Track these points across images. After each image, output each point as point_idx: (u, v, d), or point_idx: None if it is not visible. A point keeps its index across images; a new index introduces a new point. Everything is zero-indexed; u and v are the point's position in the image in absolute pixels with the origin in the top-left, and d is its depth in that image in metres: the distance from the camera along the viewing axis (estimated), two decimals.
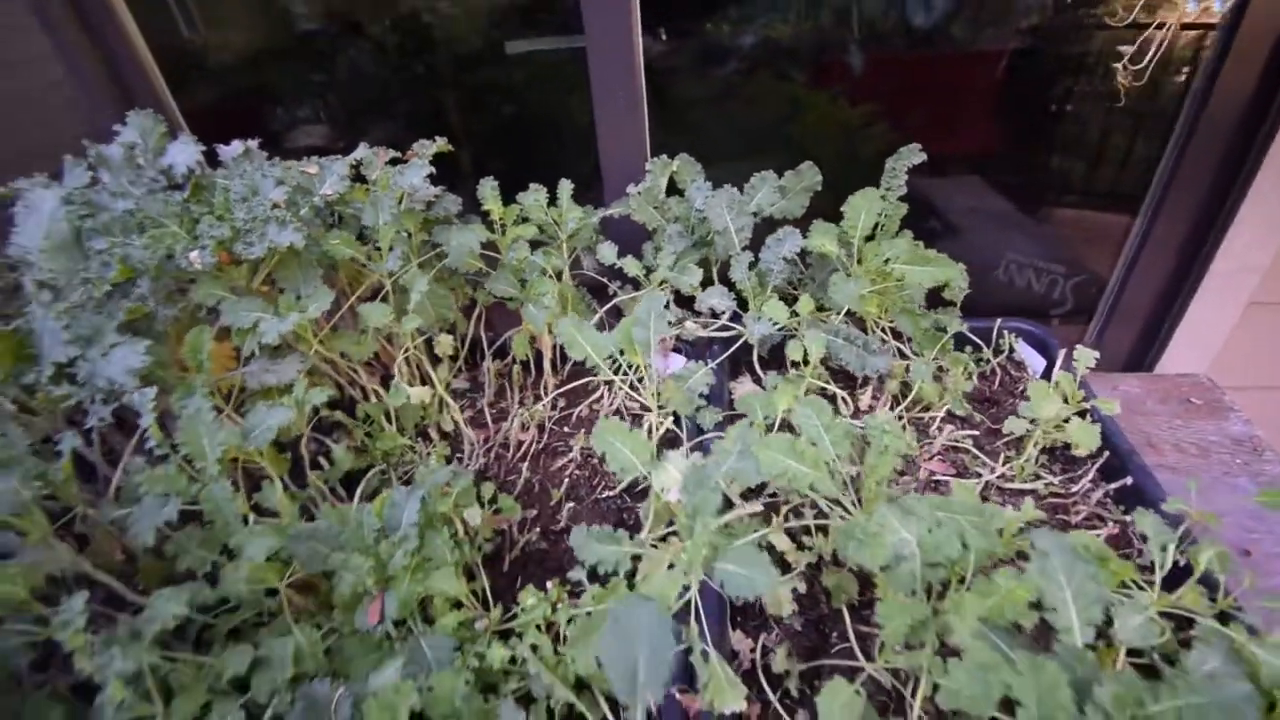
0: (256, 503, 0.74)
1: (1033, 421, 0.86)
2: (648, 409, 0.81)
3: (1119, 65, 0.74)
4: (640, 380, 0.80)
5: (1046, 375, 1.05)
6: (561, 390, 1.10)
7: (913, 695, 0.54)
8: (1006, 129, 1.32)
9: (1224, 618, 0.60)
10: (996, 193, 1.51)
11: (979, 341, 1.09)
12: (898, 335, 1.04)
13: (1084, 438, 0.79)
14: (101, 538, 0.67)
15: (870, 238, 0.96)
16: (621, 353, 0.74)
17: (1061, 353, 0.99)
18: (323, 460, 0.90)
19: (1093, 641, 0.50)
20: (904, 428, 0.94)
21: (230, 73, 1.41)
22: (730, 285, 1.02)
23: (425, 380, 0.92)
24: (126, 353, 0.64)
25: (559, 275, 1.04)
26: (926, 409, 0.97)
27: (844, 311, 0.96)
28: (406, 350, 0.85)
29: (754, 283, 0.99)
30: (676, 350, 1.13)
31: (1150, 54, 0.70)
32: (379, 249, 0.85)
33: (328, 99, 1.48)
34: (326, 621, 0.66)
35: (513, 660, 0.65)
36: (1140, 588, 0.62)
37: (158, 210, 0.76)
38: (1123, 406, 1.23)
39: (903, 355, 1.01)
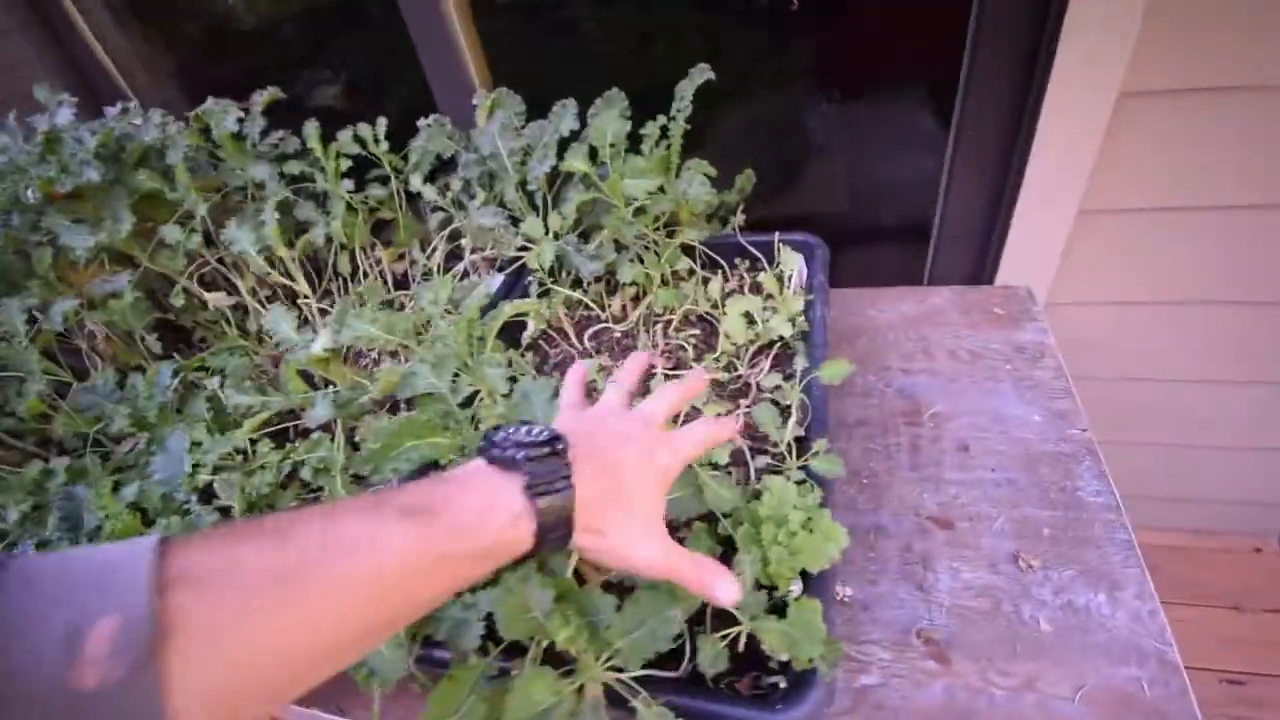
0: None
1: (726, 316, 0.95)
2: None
3: None
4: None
5: (811, 279, 1.12)
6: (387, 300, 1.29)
7: None
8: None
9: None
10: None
11: (758, 255, 1.17)
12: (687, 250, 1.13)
13: (736, 329, 0.89)
14: None
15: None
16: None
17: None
18: (176, 355, 1.15)
19: None
20: (640, 328, 1.06)
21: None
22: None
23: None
24: None
25: (378, 205, 1.22)
26: (674, 314, 1.08)
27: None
28: (202, 261, 1.07)
29: (523, 202, 1.11)
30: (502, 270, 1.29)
31: None
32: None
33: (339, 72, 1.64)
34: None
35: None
36: None
37: (21, 161, 1.00)
38: (919, 317, 1.28)
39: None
